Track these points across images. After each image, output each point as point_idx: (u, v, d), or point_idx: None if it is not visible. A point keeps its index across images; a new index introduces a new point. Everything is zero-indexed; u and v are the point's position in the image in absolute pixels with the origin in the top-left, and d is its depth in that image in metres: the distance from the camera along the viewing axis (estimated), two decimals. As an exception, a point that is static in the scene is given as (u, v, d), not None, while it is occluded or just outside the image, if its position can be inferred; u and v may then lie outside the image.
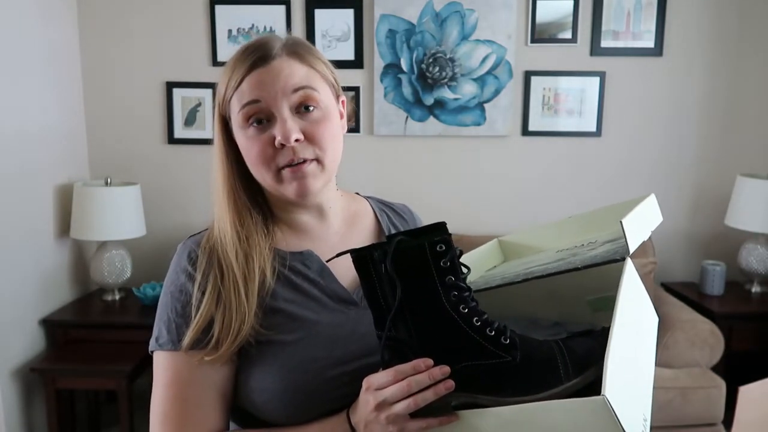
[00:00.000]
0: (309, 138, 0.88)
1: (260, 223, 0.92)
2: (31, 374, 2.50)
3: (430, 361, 0.75)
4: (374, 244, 0.78)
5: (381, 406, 0.75)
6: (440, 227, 0.77)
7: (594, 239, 0.93)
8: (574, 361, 0.73)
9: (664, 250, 3.07)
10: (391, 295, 0.76)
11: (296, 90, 0.87)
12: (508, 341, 0.75)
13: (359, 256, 0.77)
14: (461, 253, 0.78)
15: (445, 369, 0.74)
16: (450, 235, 0.76)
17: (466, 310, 0.75)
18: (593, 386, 0.68)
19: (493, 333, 0.75)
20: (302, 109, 0.88)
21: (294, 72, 0.87)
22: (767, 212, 2.73)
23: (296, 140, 0.86)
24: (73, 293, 2.89)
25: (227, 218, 0.90)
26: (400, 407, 0.74)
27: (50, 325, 2.65)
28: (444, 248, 0.75)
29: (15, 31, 2.49)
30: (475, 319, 0.75)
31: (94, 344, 2.59)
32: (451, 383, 0.74)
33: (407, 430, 0.76)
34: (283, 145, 0.86)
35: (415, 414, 0.75)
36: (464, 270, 0.77)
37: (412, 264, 0.75)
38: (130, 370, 2.42)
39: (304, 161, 0.87)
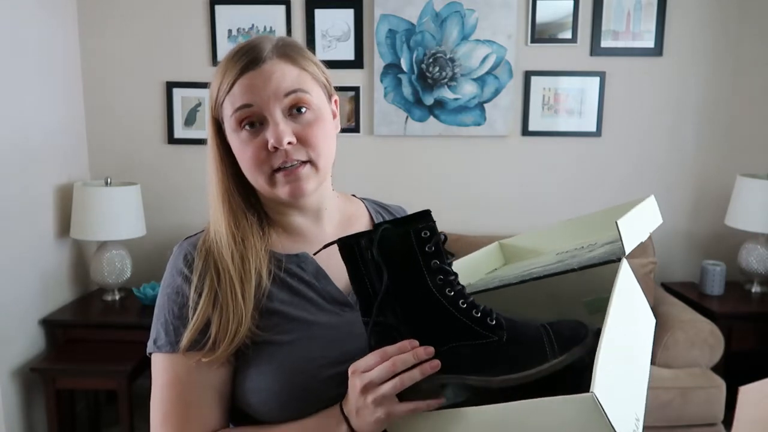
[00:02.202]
0: (301, 140, 0.88)
1: (255, 225, 0.92)
2: (31, 374, 2.50)
3: (416, 342, 0.75)
4: (360, 233, 0.79)
5: (367, 387, 0.75)
6: (424, 215, 0.78)
7: (594, 242, 0.93)
8: (560, 340, 0.74)
9: (664, 250, 3.07)
10: (378, 282, 0.77)
11: (288, 94, 0.87)
12: (494, 322, 0.76)
13: (346, 245, 0.79)
14: (446, 239, 0.79)
15: (430, 349, 0.75)
16: (434, 221, 0.78)
17: (452, 293, 0.76)
18: (583, 375, 0.67)
19: (479, 314, 0.76)
20: (294, 111, 0.88)
21: (285, 75, 0.87)
22: (767, 212, 2.73)
23: (289, 143, 0.86)
24: (73, 293, 2.89)
25: (222, 220, 0.91)
26: (386, 388, 0.74)
27: (50, 325, 2.65)
28: (428, 234, 0.76)
29: (15, 31, 2.49)
30: (461, 301, 0.76)
31: (94, 344, 2.59)
32: (437, 362, 0.74)
33: (395, 412, 0.75)
34: (276, 148, 0.86)
35: (404, 397, 0.75)
36: (449, 255, 0.79)
37: (398, 250, 0.76)
38: (130, 370, 2.42)
39: (298, 164, 0.88)
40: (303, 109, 0.88)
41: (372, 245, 0.76)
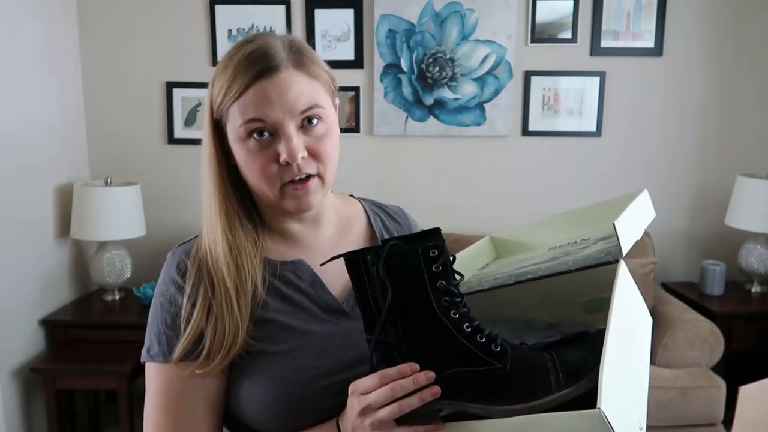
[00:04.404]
0: (312, 154, 0.86)
1: (251, 233, 0.90)
2: (31, 374, 2.50)
3: (416, 366, 0.73)
4: (368, 248, 0.77)
5: (365, 411, 0.74)
6: (434, 233, 0.76)
7: (587, 236, 0.91)
8: (565, 371, 0.71)
9: (664, 250, 3.07)
10: (382, 299, 0.75)
11: (303, 111, 0.85)
12: (498, 349, 0.73)
13: (352, 259, 0.76)
14: (454, 259, 0.77)
15: (430, 374, 0.72)
16: (444, 241, 0.75)
17: (457, 316, 0.74)
18: (587, 397, 0.67)
19: (483, 340, 0.73)
20: (306, 122, 0.86)
21: (302, 90, 0.85)
22: (767, 212, 2.73)
23: (301, 157, 0.84)
24: (73, 293, 2.89)
25: (218, 228, 0.88)
26: (383, 413, 0.72)
27: (50, 325, 2.65)
28: (437, 253, 0.74)
29: (15, 31, 2.49)
30: (465, 325, 0.74)
31: (94, 344, 2.59)
32: (437, 389, 0.72)
33: None
34: (288, 163, 0.84)
35: (402, 421, 0.74)
36: (457, 277, 0.76)
37: (405, 268, 0.74)
38: (130, 370, 2.42)
39: (307, 177, 0.86)
40: (315, 121, 0.86)
41: (378, 261, 0.74)
